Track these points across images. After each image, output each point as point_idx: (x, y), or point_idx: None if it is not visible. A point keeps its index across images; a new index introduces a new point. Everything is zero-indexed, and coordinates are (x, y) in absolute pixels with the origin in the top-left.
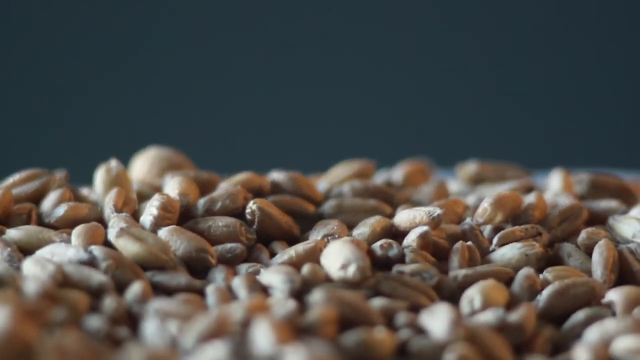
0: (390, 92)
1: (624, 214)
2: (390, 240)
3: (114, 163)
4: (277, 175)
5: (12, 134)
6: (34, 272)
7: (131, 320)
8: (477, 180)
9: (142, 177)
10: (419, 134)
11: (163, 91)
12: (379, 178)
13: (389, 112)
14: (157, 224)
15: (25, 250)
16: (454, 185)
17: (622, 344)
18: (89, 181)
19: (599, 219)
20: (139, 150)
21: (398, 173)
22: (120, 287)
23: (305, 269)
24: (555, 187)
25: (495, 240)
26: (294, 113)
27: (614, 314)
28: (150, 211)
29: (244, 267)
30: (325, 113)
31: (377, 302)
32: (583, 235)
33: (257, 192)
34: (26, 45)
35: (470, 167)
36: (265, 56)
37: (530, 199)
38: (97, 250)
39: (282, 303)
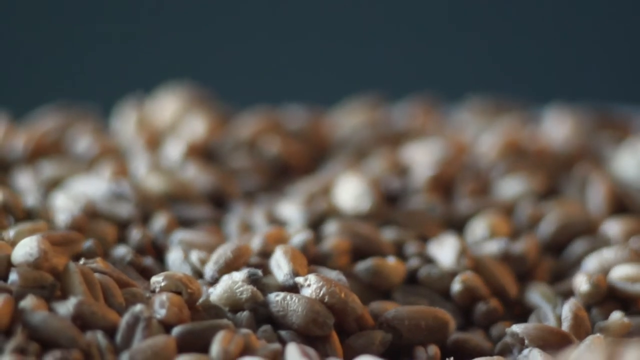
0: (397, 23)
1: (618, 150)
2: (399, 175)
3: (141, 99)
4: (295, 113)
5: (36, 66)
6: (65, 204)
7: (156, 250)
8: (480, 115)
9: (167, 114)
10: (425, 65)
11: (180, 25)
12: (388, 113)
13: (397, 41)
14: (182, 159)
15: (58, 184)
16: (458, 120)
17: (619, 273)
18: (107, 109)
19: (595, 155)
20: (160, 85)
21: (406, 111)
22: (146, 219)
23: (321, 202)
24: (554, 124)
25: (497, 175)
26: (304, 43)
27: (611, 244)
28: (175, 147)
29: (263, 200)
30: (334, 43)
31: (388, 233)
32: (580, 170)
33: (276, 129)
34: None
35: (474, 102)
36: None
37: (530, 134)
38: (125, 184)
39: (298, 234)
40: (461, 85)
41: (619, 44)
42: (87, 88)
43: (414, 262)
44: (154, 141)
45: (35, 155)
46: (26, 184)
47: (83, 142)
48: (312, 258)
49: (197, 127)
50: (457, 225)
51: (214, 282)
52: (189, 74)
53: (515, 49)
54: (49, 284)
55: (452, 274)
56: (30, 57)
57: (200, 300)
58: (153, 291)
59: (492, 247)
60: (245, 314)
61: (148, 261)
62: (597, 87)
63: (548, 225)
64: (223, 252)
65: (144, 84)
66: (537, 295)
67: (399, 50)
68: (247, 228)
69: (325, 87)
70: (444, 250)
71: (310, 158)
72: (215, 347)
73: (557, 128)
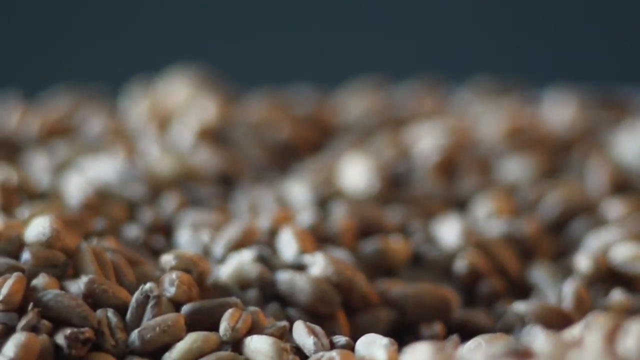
0: (400, 5)
1: (619, 131)
2: (403, 158)
3: (150, 80)
4: (301, 95)
5: (45, 47)
6: (77, 185)
7: (166, 230)
8: (483, 96)
9: (178, 96)
10: (428, 46)
11: (187, 6)
12: (393, 95)
13: (400, 23)
14: (194, 142)
15: (70, 165)
16: (462, 101)
17: (620, 252)
18: (115, 90)
19: (596, 136)
20: (167, 66)
21: (410, 92)
22: (157, 200)
23: (327, 183)
24: (556, 105)
25: (499, 156)
26: (307, 21)
27: (611, 224)
28: (187, 130)
29: (271, 181)
30: (339, 24)
31: (393, 214)
32: (580, 150)
33: (284, 111)
34: None
35: (476, 83)
36: None
37: (532, 116)
38: (136, 165)
39: (305, 214)
40: (464, 66)
41: (619, 24)
42: (95, 68)
43: (418, 242)
44: (165, 123)
45: (48, 136)
46: (39, 164)
47: (95, 123)
48: (319, 237)
49: (207, 109)
50: (461, 205)
51: (223, 260)
52: (196, 55)
53: (517, 30)
54: (61, 262)
55: (456, 253)
56: (39, 38)
57: (210, 278)
58: (163, 270)
59: (495, 227)
60: (253, 292)
61: (159, 240)
62: (598, 68)
63: (550, 205)
64: (232, 232)
65: (151, 65)
66: (539, 273)
67: (402, 32)
68: (255, 208)
69: (330, 67)
70: (448, 230)
71: (317, 140)
72: (224, 325)
73: (558, 109)
